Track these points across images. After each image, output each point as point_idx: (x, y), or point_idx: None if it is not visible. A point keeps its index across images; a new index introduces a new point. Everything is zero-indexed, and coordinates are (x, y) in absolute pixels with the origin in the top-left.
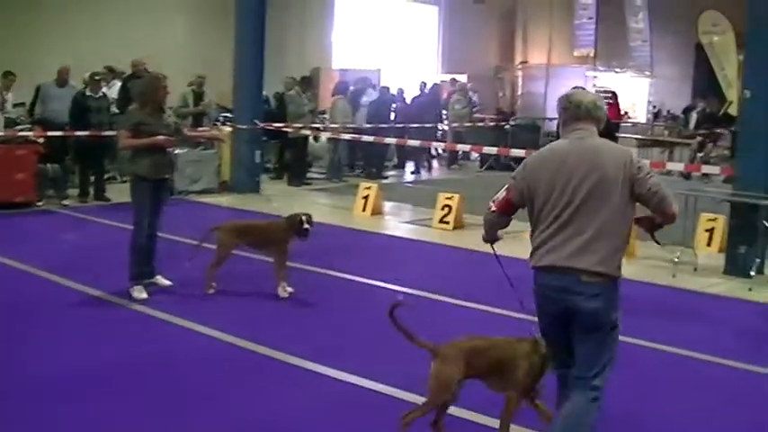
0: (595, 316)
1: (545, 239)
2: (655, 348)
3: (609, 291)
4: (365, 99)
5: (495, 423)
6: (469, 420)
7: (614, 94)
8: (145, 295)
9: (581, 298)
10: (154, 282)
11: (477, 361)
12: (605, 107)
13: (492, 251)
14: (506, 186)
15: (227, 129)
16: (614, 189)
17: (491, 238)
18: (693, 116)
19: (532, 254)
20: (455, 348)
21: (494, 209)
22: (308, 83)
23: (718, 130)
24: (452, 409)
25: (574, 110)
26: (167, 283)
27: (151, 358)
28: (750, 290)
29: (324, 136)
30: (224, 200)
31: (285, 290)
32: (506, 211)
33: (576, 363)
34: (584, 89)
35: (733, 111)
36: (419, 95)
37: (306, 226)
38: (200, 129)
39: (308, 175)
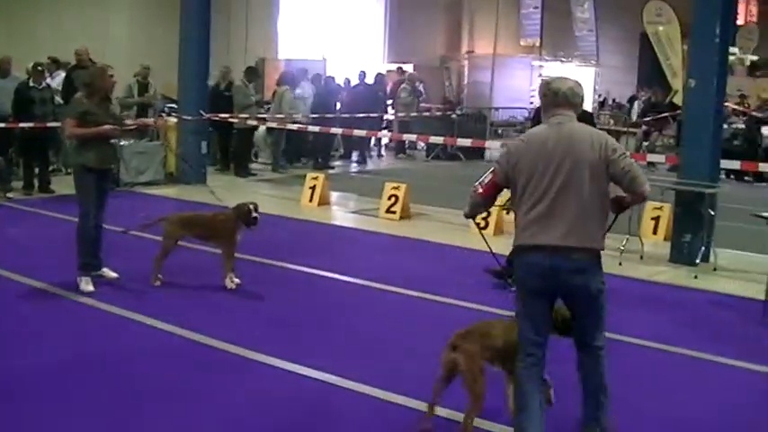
0: (587, 289)
1: (531, 220)
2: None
3: (595, 263)
4: (299, 92)
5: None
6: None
7: None
8: (91, 287)
9: (571, 275)
10: (100, 274)
11: (490, 344)
12: (583, 93)
13: (475, 227)
14: (492, 170)
15: (173, 120)
16: (592, 170)
17: (473, 215)
18: (636, 106)
19: (519, 234)
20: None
21: (480, 192)
22: (253, 73)
23: (663, 116)
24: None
25: (552, 97)
26: (114, 275)
27: (98, 351)
28: (695, 277)
29: (262, 127)
30: (171, 191)
31: (233, 281)
32: (492, 194)
33: (581, 332)
34: (564, 77)
35: (678, 100)
36: (357, 84)
37: (254, 215)
38: (146, 120)
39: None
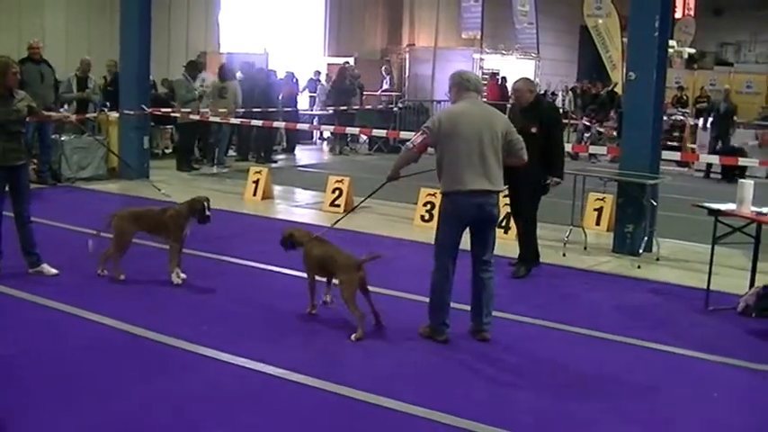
0: (497, 217)
1: (461, 172)
2: (546, 326)
3: (498, 199)
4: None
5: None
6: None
7: (503, 77)
8: None
9: (492, 208)
10: (39, 270)
11: None
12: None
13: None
14: (422, 133)
15: (115, 114)
16: (500, 138)
17: (395, 175)
18: (567, 97)
19: (455, 181)
20: None
21: (414, 149)
22: (194, 67)
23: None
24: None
25: (466, 83)
26: (54, 271)
27: (37, 348)
28: (638, 267)
29: None
30: (113, 186)
31: (179, 276)
32: (421, 151)
33: (479, 251)
34: (470, 71)
35: (618, 91)
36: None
37: (207, 213)
38: (87, 115)
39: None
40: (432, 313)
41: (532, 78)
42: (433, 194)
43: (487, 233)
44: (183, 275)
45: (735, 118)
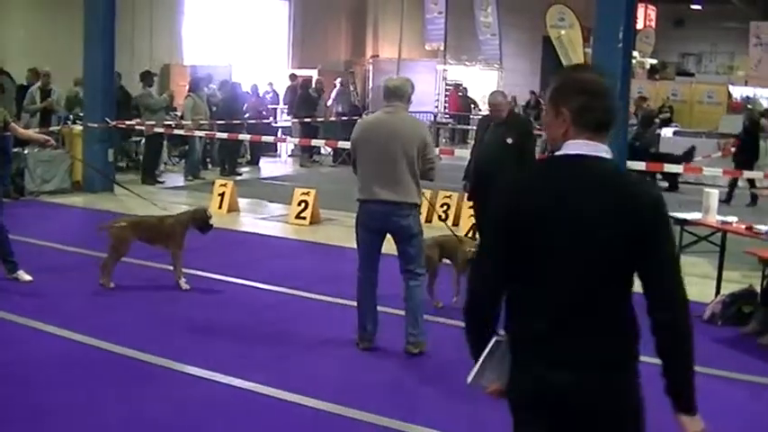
0: (410, 228)
1: (367, 182)
2: None
3: (414, 212)
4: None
5: None
6: None
7: (465, 88)
8: None
9: (400, 219)
10: (15, 277)
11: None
12: (409, 89)
13: None
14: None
15: (78, 127)
16: (410, 150)
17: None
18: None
19: (360, 191)
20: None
21: (352, 162)
22: (147, 78)
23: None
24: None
25: (384, 91)
26: (28, 278)
27: (1, 363)
28: None
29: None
30: (78, 200)
31: (187, 283)
32: (355, 160)
33: (404, 261)
34: (398, 77)
35: None
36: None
37: (211, 222)
38: (51, 128)
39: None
40: (358, 320)
41: (499, 90)
42: None
43: (404, 245)
44: (186, 286)
45: (656, 120)
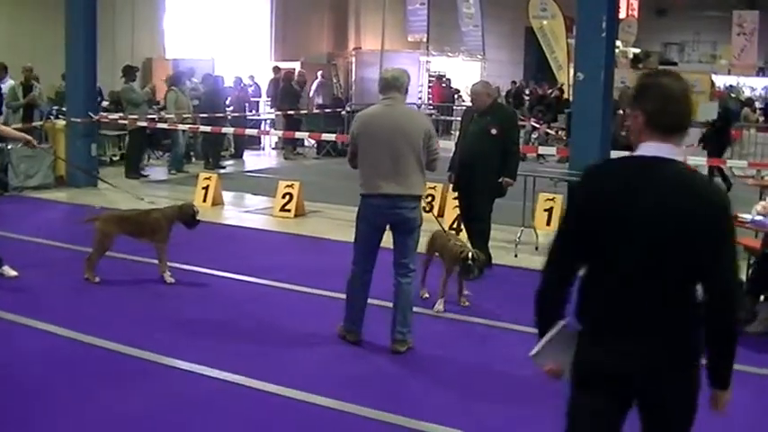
0: (414, 221)
1: (372, 175)
2: (500, 328)
3: (418, 205)
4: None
5: None
6: None
7: (448, 79)
8: None
9: (403, 211)
10: (1, 272)
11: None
12: (406, 80)
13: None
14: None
15: (61, 122)
16: (414, 142)
17: (352, 165)
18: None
19: (363, 185)
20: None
21: (348, 155)
22: (129, 72)
23: (539, 108)
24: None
25: (382, 83)
26: (14, 273)
27: None
28: None
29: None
30: (61, 195)
31: (171, 276)
32: (354, 155)
33: (399, 254)
34: (394, 68)
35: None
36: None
37: (198, 217)
38: (33, 123)
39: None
40: (345, 313)
41: (482, 80)
42: None
43: (404, 237)
44: (171, 279)
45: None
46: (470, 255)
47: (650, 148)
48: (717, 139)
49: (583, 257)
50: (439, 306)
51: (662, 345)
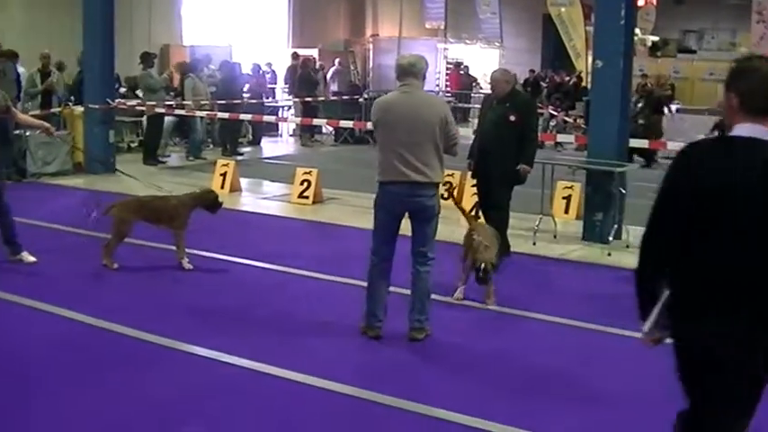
0: (432, 209)
1: (390, 162)
2: (521, 316)
3: (435, 192)
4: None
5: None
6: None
7: (466, 66)
8: None
9: (421, 199)
10: (20, 258)
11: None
12: (424, 66)
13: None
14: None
15: (79, 109)
16: (432, 129)
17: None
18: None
19: (381, 172)
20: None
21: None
22: (147, 59)
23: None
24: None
25: (398, 69)
26: (32, 259)
27: (9, 345)
28: (609, 255)
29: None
30: (79, 181)
31: (189, 263)
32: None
33: (418, 242)
34: (410, 54)
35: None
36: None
37: (220, 200)
38: (52, 110)
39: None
40: (366, 306)
41: (502, 68)
42: None
43: (423, 225)
44: (189, 266)
45: (669, 105)
46: (483, 266)
47: (744, 129)
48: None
49: (680, 233)
50: (458, 294)
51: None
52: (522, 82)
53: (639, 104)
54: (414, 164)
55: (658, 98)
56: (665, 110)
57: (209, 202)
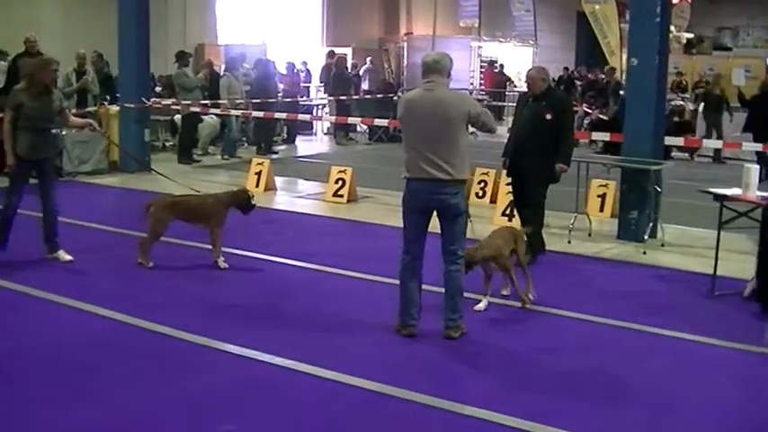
0: (457, 207)
1: (413, 160)
2: (555, 314)
3: (462, 189)
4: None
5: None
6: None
7: (501, 65)
8: None
9: (446, 197)
10: (56, 257)
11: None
12: (448, 63)
13: None
14: None
15: (114, 108)
16: (456, 126)
17: None
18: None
19: (406, 169)
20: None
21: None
22: (182, 57)
23: (591, 93)
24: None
25: (424, 66)
26: (68, 258)
27: (49, 342)
28: (644, 253)
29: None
30: (114, 180)
31: (225, 262)
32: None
33: (446, 241)
34: (435, 52)
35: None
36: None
37: (254, 201)
38: (87, 109)
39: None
40: (400, 305)
41: (538, 65)
42: None
43: (450, 223)
44: (225, 264)
45: (728, 104)
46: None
47: None
48: (762, 121)
49: None
50: (480, 305)
51: None
52: (555, 80)
53: (701, 106)
54: (436, 161)
55: (718, 98)
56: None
57: (242, 201)
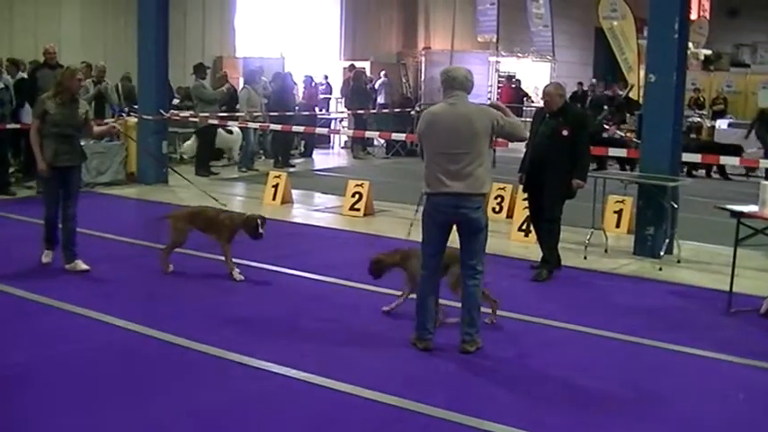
0: (478, 221)
1: (435, 174)
2: (569, 329)
3: (482, 204)
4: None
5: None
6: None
7: (518, 80)
8: (49, 260)
9: (467, 211)
10: (74, 266)
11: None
12: (469, 77)
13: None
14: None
15: (133, 119)
16: (479, 140)
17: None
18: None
19: (428, 184)
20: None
21: (420, 153)
22: (200, 70)
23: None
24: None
25: (451, 81)
26: (85, 267)
27: (65, 353)
28: (660, 269)
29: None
30: (132, 191)
31: (240, 274)
32: (422, 152)
33: (466, 255)
34: (458, 67)
35: (634, 94)
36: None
37: (261, 230)
38: (105, 120)
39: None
40: (416, 319)
41: (555, 81)
42: None
43: (470, 237)
44: (241, 276)
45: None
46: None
47: None
48: None
49: None
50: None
51: None
52: (569, 95)
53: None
54: (457, 175)
55: None
56: None
57: (250, 228)
